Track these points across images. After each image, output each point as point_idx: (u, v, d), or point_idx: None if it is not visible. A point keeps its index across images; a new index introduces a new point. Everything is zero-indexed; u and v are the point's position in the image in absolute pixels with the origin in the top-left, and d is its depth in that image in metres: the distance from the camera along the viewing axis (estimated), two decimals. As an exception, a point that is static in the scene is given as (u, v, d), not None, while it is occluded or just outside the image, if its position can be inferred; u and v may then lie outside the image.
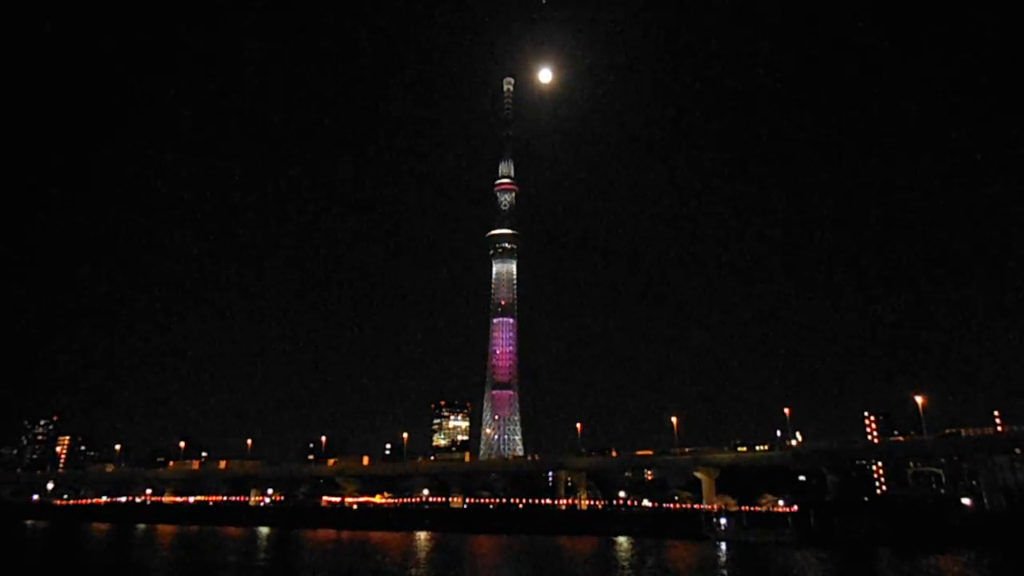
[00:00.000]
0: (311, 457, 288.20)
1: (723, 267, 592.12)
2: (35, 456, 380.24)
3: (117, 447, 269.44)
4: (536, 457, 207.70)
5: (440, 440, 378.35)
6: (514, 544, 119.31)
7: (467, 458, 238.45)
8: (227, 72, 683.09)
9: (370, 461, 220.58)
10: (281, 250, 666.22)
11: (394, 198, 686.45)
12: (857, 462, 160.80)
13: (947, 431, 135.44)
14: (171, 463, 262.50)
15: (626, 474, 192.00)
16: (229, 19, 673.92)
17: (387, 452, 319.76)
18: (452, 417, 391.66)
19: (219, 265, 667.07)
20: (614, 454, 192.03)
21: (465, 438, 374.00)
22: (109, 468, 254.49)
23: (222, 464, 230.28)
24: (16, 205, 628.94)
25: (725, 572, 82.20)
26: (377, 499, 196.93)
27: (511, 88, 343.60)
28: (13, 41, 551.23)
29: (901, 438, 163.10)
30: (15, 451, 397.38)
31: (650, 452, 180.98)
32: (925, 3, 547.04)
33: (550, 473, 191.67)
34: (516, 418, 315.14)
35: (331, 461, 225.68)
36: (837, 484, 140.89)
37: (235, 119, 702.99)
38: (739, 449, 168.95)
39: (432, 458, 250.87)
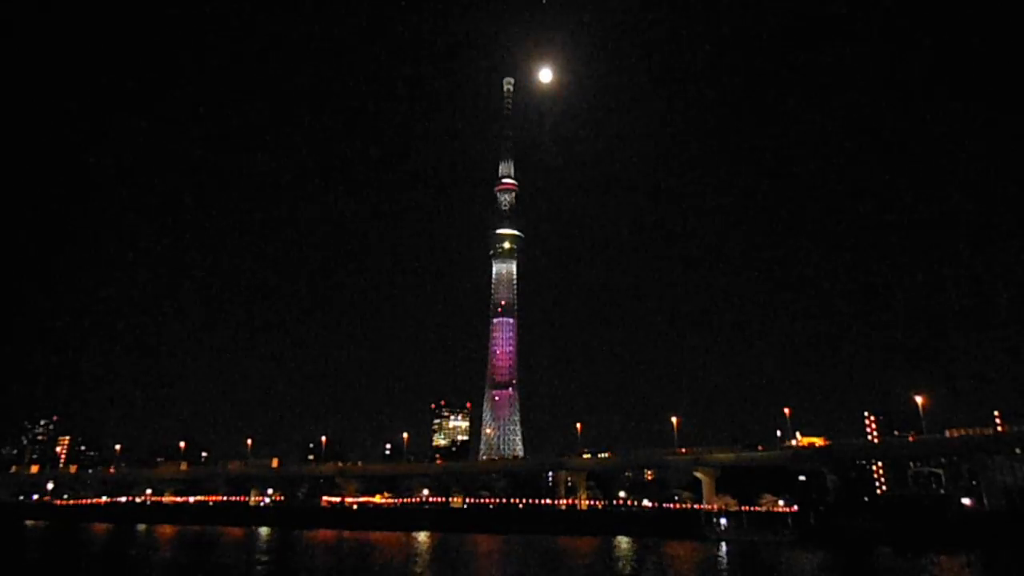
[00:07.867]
0: (311, 457, 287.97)
1: (723, 267, 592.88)
2: (35, 456, 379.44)
3: (117, 447, 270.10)
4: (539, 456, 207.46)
5: (440, 440, 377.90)
6: (514, 544, 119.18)
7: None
8: (223, 71, 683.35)
9: (370, 461, 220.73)
10: (281, 251, 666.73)
11: (394, 198, 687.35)
12: (857, 462, 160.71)
13: (947, 431, 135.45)
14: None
15: (626, 474, 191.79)
16: (221, 17, 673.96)
17: (387, 452, 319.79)
18: (452, 417, 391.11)
19: (218, 265, 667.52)
20: (613, 454, 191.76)
21: (465, 438, 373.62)
22: (114, 469, 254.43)
23: (222, 464, 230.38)
24: (16, 205, 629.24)
25: (725, 572, 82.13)
26: (377, 499, 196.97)
27: (511, 88, 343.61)
28: (12, 42, 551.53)
29: (901, 438, 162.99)
30: (15, 451, 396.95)
31: (650, 452, 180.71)
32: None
33: (550, 473, 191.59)
34: (516, 418, 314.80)
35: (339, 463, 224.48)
36: (837, 484, 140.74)
37: (234, 119, 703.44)
38: (739, 449, 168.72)
39: (437, 461, 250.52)
